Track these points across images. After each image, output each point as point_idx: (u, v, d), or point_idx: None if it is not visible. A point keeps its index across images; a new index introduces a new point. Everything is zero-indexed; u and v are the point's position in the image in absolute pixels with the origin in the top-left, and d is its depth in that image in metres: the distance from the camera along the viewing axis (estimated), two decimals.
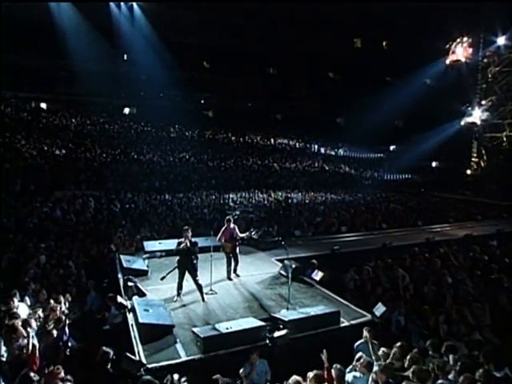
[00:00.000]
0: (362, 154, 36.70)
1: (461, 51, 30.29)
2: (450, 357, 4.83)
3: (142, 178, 21.96)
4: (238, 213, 13.44)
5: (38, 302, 6.77)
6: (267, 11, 31.58)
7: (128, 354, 4.81)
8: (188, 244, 7.08)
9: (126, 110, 34.01)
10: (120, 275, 7.95)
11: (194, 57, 34.44)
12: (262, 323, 5.90)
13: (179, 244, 7.15)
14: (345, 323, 6.34)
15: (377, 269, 9.27)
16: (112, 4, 31.20)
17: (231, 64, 35.04)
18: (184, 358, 5.15)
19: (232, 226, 8.34)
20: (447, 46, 30.71)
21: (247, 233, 9.00)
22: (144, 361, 4.98)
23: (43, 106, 30.11)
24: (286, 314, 6.30)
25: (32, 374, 4.68)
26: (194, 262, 7.13)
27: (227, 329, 5.56)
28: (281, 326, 5.97)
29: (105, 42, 29.12)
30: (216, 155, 28.37)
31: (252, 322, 5.92)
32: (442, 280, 8.26)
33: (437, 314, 6.43)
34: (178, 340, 5.60)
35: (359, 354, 4.95)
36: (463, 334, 5.83)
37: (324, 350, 4.47)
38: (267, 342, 5.64)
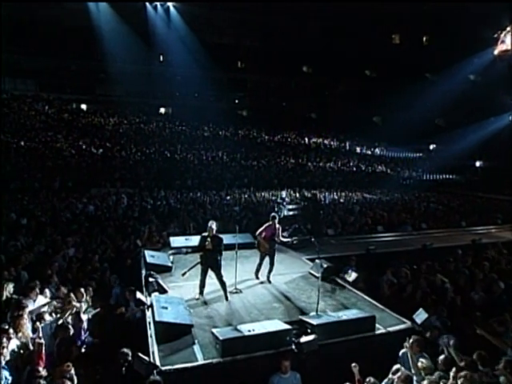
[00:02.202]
0: (400, 153, 35.36)
1: (510, 40, 28.27)
2: None
3: (175, 176, 22.06)
4: (285, 212, 12.47)
5: (58, 296, 6.65)
6: (302, 9, 31.03)
7: (140, 355, 4.46)
8: (212, 239, 6.69)
9: (162, 110, 34.53)
10: (144, 271, 7.71)
11: (229, 57, 34.51)
12: (288, 326, 5.39)
13: (203, 238, 6.77)
14: (381, 330, 5.71)
15: (416, 271, 8.53)
16: (149, 6, 31.79)
17: (266, 63, 34.87)
18: (201, 362, 4.74)
19: (277, 225, 7.73)
20: (495, 35, 28.75)
21: (289, 239, 8.51)
22: (158, 362, 4.63)
23: (83, 106, 31.14)
24: (314, 318, 5.75)
25: (40, 369, 4.46)
26: (218, 258, 6.72)
27: (249, 331, 5.10)
28: (309, 331, 5.45)
29: (141, 44, 29.85)
30: (249, 154, 28.16)
31: (277, 325, 5.42)
32: (494, 285, 7.40)
33: (488, 322, 5.67)
34: (196, 341, 5.21)
35: (396, 365, 4.34)
36: None
37: (355, 363, 3.89)
38: (293, 347, 5.14)
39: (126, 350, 4.62)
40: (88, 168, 21.26)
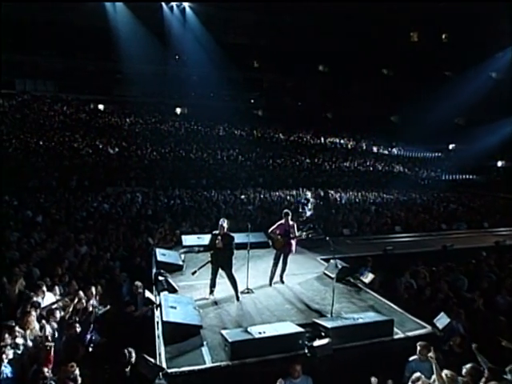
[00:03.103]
0: (418, 153, 34.60)
1: None
2: None
3: (190, 175, 22.04)
4: (309, 214, 12.07)
5: (68, 293, 6.58)
6: (317, 8, 30.66)
7: (146, 356, 4.30)
8: (223, 237, 6.50)
9: (178, 110, 34.61)
10: (154, 269, 7.58)
11: (245, 56, 34.42)
12: (301, 329, 5.16)
13: (213, 236, 6.59)
14: (399, 335, 5.41)
15: (436, 273, 8.16)
16: (165, 6, 31.96)
17: (281, 63, 34.64)
18: (208, 365, 4.55)
19: (291, 222, 7.37)
20: None
21: (303, 233, 7.84)
22: (164, 364, 4.46)
23: (100, 107, 31.48)
24: (329, 321, 5.51)
25: (45, 370, 4.34)
26: (229, 257, 6.51)
27: (260, 333, 4.89)
28: (322, 334, 5.21)
29: (157, 44, 29.97)
30: (264, 153, 27.97)
31: (289, 327, 5.19)
32: None
33: None
34: (204, 343, 5.03)
35: (417, 374, 4.05)
36: None
37: (375, 378, 3.62)
38: (306, 351, 4.90)
39: (130, 350, 4.44)
40: (104, 167, 21.41)
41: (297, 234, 7.42)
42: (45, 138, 23.48)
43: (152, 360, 4.36)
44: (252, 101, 37.45)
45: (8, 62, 26.20)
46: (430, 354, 4.13)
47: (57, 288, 6.53)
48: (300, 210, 11.77)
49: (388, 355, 5.14)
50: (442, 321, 5.40)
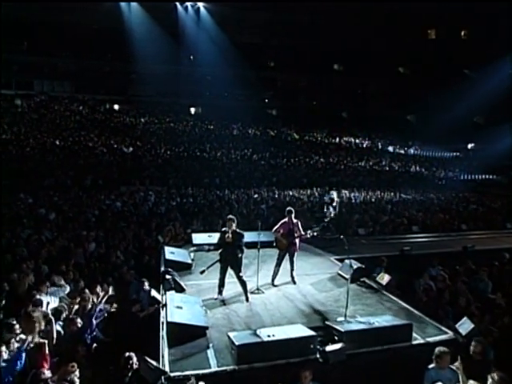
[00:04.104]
0: (435, 152, 33.80)
1: None
2: None
3: (204, 174, 21.92)
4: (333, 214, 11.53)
5: (75, 291, 6.44)
6: (331, 7, 30.21)
7: (147, 359, 4.08)
8: (232, 234, 6.26)
9: (192, 110, 34.64)
10: (163, 268, 7.38)
11: (259, 56, 34.25)
12: (313, 333, 4.85)
13: (223, 234, 6.34)
14: (419, 340, 5.06)
15: (457, 275, 7.76)
16: (179, 7, 32.01)
17: (296, 62, 34.32)
18: (213, 369, 4.30)
19: (294, 220, 7.07)
20: None
21: (309, 231, 7.51)
22: (167, 367, 4.23)
23: (116, 107, 31.74)
24: (343, 324, 5.19)
25: (45, 372, 4.16)
26: (239, 255, 6.26)
27: (269, 336, 4.61)
28: (336, 338, 4.90)
29: (172, 44, 30.03)
30: (278, 153, 27.71)
31: (300, 330, 4.90)
32: None
33: None
34: (210, 345, 4.78)
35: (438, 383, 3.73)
36: None
37: None
38: (317, 356, 4.61)
39: (130, 353, 4.23)
40: (118, 166, 21.48)
41: (302, 232, 7.11)
42: (61, 137, 23.73)
43: (154, 363, 4.13)
44: (266, 100, 37.24)
45: (26, 64, 26.81)
46: (457, 364, 3.78)
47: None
48: (324, 210, 11.36)
49: (406, 362, 4.81)
50: (465, 326, 5.04)
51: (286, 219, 7.09)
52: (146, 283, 6.56)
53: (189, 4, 32.19)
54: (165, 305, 5.57)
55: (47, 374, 4.18)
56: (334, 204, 10.89)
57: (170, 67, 30.95)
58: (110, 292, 6.44)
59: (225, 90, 33.87)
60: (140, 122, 29.20)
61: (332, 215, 10.78)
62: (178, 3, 31.76)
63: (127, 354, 4.24)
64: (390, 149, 33.52)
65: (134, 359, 4.21)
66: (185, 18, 32.44)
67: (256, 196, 17.71)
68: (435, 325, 5.48)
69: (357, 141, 34.01)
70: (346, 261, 7.08)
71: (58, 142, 23.03)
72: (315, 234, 7.94)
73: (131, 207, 13.90)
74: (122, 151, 23.99)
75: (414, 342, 5.04)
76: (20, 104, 27.38)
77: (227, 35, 30.60)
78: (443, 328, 5.35)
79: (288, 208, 7.32)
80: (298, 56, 34.13)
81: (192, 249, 8.62)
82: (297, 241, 7.11)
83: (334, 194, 11.15)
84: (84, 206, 13.42)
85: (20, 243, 8.09)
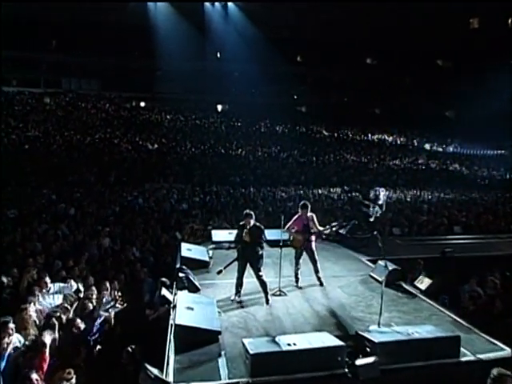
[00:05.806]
0: (477, 150, 31.99)
1: None
2: None
3: (229, 172, 21.52)
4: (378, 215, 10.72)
5: (85, 288, 6.05)
6: None
7: (147, 366, 3.53)
8: (250, 230, 5.64)
9: (219, 107, 34.39)
10: (178, 265, 6.88)
11: (288, 51, 33.44)
12: (341, 342, 4.16)
13: (241, 228, 5.75)
14: (468, 357, 4.24)
15: (509, 281, 6.83)
16: (207, 3, 31.79)
17: (326, 56, 33.36)
18: (223, 381, 3.71)
19: (309, 214, 6.44)
20: None
21: (327, 226, 6.91)
22: (171, 377, 3.68)
23: (142, 104, 31.95)
24: (376, 333, 4.44)
25: (34, 376, 3.70)
26: (259, 252, 5.63)
27: (289, 345, 3.95)
28: (367, 350, 4.17)
29: (198, 41, 29.88)
30: (307, 150, 26.96)
31: (326, 339, 4.21)
32: None
33: None
34: (222, 353, 4.18)
35: None
36: None
37: None
38: (346, 370, 3.92)
39: (128, 359, 3.71)
40: (143, 163, 21.42)
41: (319, 227, 6.44)
42: (87, 134, 23.98)
43: (155, 371, 3.58)
44: (295, 97, 36.47)
45: (54, 62, 27.38)
46: None
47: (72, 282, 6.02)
48: (370, 209, 10.52)
49: (452, 382, 4.04)
50: None
51: (300, 214, 6.45)
52: (163, 281, 6.06)
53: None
54: (175, 305, 5.03)
55: (34, 376, 3.71)
56: (381, 202, 9.98)
57: (196, 64, 30.82)
58: (118, 293, 6.00)
59: (252, 87, 33.35)
60: (166, 119, 29.21)
61: (378, 214, 9.86)
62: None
63: (124, 360, 3.72)
64: (427, 146, 32.05)
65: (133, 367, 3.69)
66: (211, 14, 32.21)
67: (282, 194, 17.10)
68: (488, 339, 4.64)
69: (390, 138, 32.75)
70: (380, 261, 6.31)
71: (83, 140, 23.26)
72: (334, 229, 7.22)
73: (153, 204, 13.65)
74: (147, 148, 24.00)
75: (463, 359, 4.23)
76: (48, 102, 27.98)
77: (255, 30, 30.09)
78: (498, 343, 4.51)
79: (302, 202, 6.67)
80: (330, 50, 33.11)
81: (211, 246, 8.10)
82: (313, 237, 6.45)
83: (381, 191, 10.14)
84: (106, 202, 13.29)
85: (33, 238, 7.83)
